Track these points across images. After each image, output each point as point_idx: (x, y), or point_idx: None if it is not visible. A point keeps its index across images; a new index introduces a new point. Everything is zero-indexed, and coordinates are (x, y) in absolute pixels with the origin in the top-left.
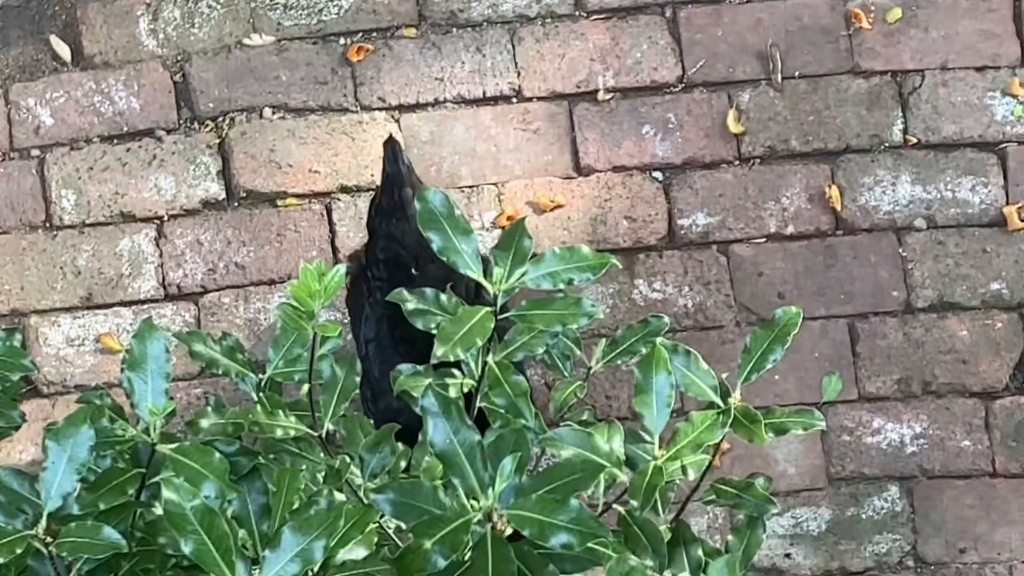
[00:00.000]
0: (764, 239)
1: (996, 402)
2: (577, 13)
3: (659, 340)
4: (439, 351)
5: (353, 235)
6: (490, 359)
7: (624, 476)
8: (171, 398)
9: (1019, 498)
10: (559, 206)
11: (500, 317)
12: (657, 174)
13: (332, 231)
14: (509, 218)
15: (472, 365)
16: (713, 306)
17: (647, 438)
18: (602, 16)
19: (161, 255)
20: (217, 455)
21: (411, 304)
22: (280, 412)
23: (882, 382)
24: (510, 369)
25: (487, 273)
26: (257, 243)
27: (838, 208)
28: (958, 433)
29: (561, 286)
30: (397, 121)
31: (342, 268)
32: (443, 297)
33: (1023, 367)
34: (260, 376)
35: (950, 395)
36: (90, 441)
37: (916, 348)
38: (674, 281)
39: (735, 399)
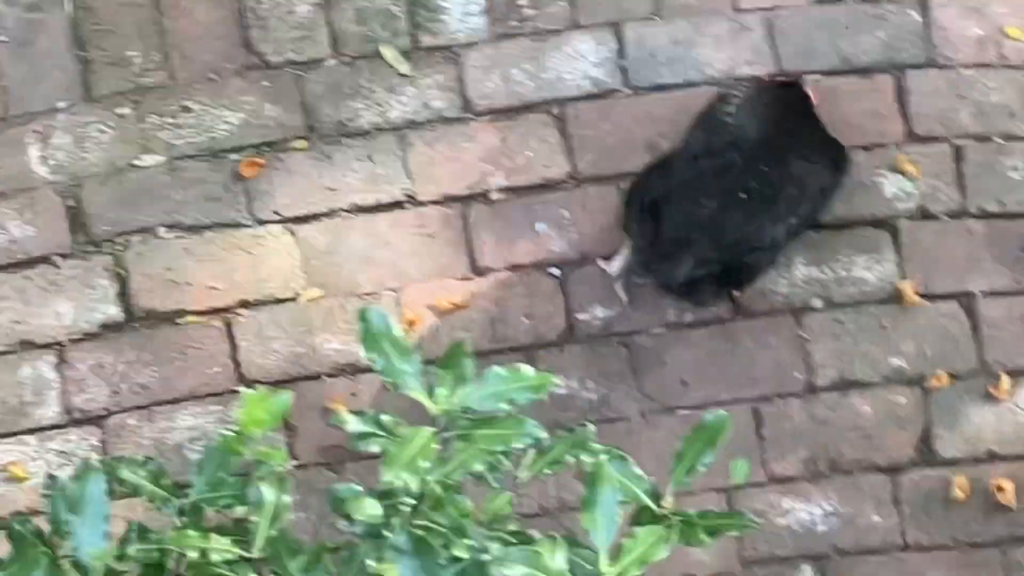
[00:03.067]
0: (664, 328)
1: (903, 476)
2: (465, 116)
3: (602, 456)
4: (386, 476)
5: (255, 350)
6: (431, 479)
7: None
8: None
9: (933, 570)
10: (458, 308)
11: (443, 437)
12: (554, 270)
13: (234, 346)
14: (410, 322)
15: (412, 484)
16: (617, 398)
17: (590, 552)
18: (490, 117)
19: (63, 380)
20: None
21: (353, 426)
22: (211, 536)
23: (789, 463)
24: (452, 489)
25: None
26: (159, 363)
27: (736, 293)
28: (868, 509)
29: (503, 406)
30: (293, 233)
31: (286, 396)
32: (384, 418)
33: (927, 440)
34: (183, 501)
35: (857, 472)
36: None
37: (821, 427)
38: (577, 376)
39: (668, 503)
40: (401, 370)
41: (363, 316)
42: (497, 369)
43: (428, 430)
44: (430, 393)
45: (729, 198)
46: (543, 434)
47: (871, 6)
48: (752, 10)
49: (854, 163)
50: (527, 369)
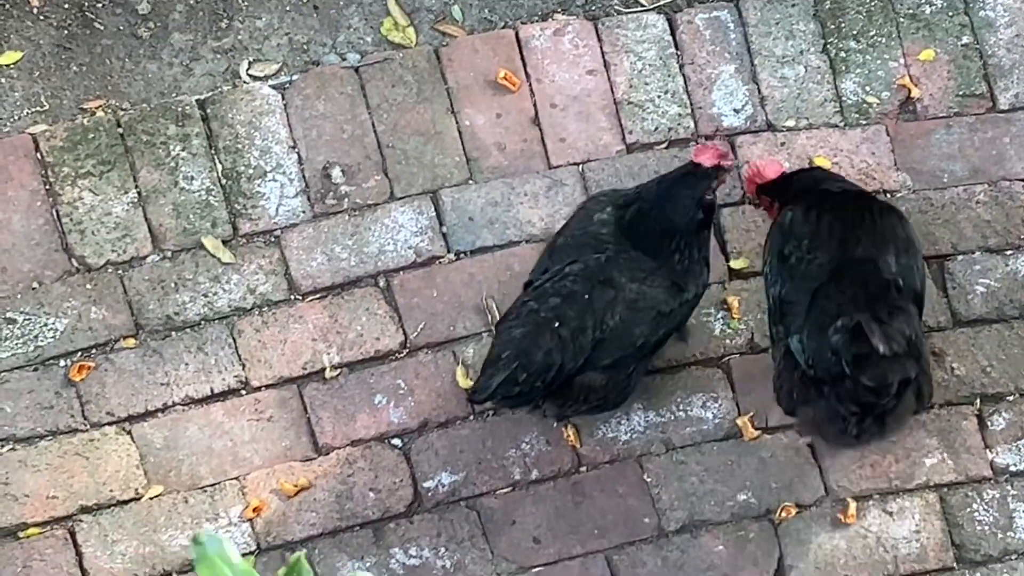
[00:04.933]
0: (511, 488)
1: None
2: (292, 297)
3: None
4: None
5: (101, 555)
6: None
7: None
8: None
9: None
10: (304, 489)
11: None
12: (396, 441)
13: (79, 554)
14: (255, 509)
15: None
16: (471, 563)
17: None
18: (317, 296)
19: None
20: None
21: None
22: None
23: None
24: None
25: None
26: None
27: (578, 446)
28: None
29: None
30: (129, 433)
31: None
32: None
33: (782, 573)
34: None
35: None
36: None
37: (676, 571)
38: (429, 544)
39: None
40: None
41: (197, 540)
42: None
43: None
44: None
45: (542, 327)
46: None
47: (680, 150)
48: (564, 165)
49: (700, 286)
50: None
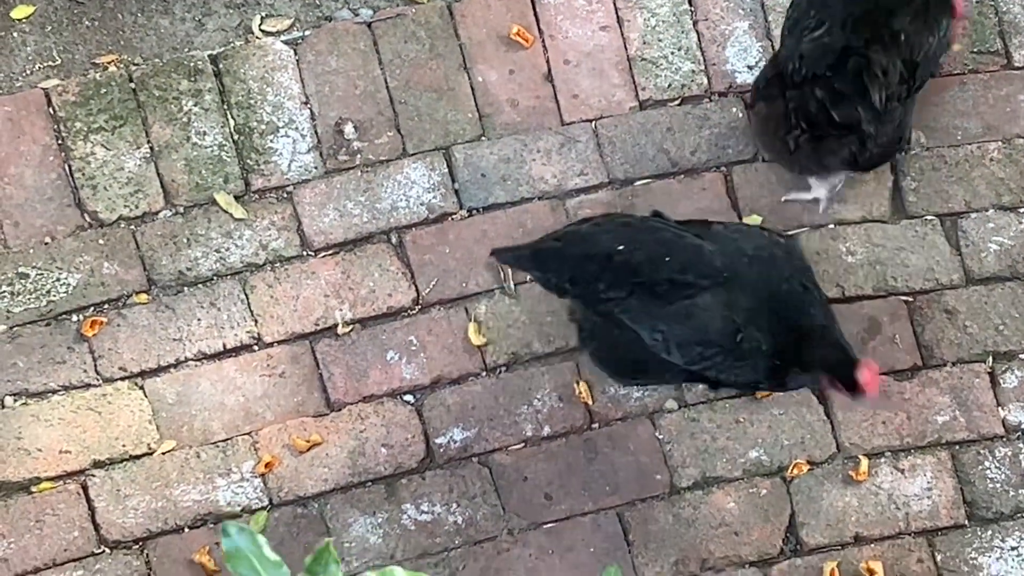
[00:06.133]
0: (523, 444)
1: (773, 567)
2: (304, 253)
3: None
4: None
5: (113, 510)
6: None
7: None
8: None
9: None
10: (316, 444)
11: None
12: (408, 397)
13: (91, 508)
14: (267, 465)
15: None
16: (483, 518)
17: None
18: (329, 252)
19: None
20: None
21: None
22: None
23: (660, 566)
24: None
25: None
26: (17, 533)
27: (590, 402)
28: None
29: None
30: (141, 388)
31: None
32: None
33: (793, 529)
34: None
35: (728, 568)
36: None
37: (688, 527)
38: (441, 500)
39: None
40: None
41: (226, 532)
42: (369, 574)
43: None
44: None
45: (605, 239)
46: None
47: (693, 107)
48: (577, 122)
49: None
50: (399, 571)
